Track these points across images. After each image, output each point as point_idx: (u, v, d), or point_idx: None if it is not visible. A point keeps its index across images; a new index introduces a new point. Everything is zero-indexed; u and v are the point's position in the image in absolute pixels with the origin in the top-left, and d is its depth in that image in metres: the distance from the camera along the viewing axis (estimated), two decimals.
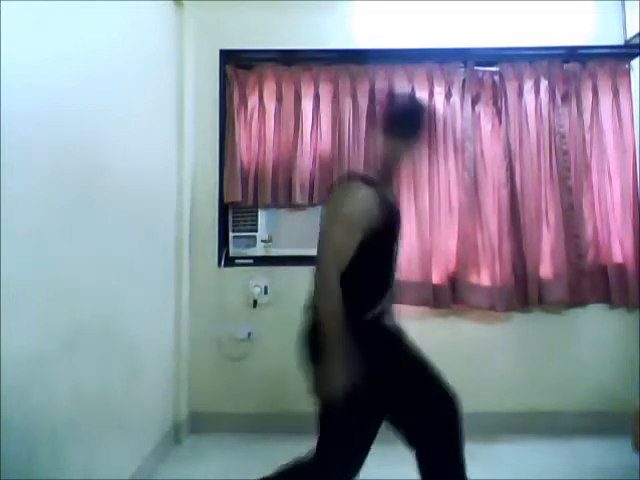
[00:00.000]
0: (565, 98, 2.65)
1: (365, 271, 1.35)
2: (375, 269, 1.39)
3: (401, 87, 2.42)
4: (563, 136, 2.60)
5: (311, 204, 2.60)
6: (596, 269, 2.56)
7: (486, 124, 2.65)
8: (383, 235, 1.36)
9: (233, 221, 2.68)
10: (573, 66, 2.66)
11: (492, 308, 2.52)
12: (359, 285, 1.35)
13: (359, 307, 1.35)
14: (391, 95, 1.46)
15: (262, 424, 2.55)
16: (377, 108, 2.04)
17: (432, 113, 1.44)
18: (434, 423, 1.40)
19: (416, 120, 1.48)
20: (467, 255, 2.55)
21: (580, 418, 2.48)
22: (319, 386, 1.32)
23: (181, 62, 2.56)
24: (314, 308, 1.36)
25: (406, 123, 1.46)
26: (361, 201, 1.31)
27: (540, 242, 2.56)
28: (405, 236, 2.57)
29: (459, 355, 2.52)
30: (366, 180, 1.38)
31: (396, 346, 1.43)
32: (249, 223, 2.66)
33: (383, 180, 1.45)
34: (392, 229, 1.41)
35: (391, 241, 1.42)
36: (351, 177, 1.48)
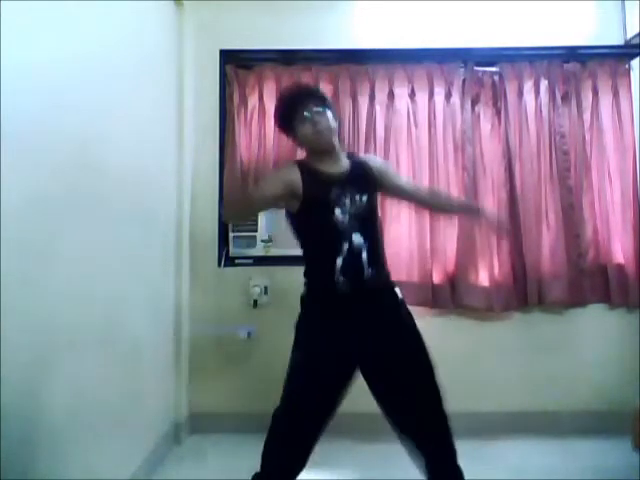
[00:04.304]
0: (565, 98, 2.65)
1: (306, 236, 1.61)
2: (313, 233, 1.58)
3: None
4: (563, 136, 2.60)
5: None
6: (596, 269, 2.56)
7: (486, 124, 2.65)
8: (310, 200, 1.53)
9: None
10: (573, 66, 2.66)
11: (492, 308, 2.52)
12: (306, 250, 1.61)
13: (310, 271, 1.60)
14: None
15: (262, 424, 2.54)
16: None
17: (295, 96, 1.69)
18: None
19: (285, 113, 1.65)
20: (467, 255, 2.54)
21: (580, 418, 2.48)
22: None
23: (181, 62, 2.56)
24: None
25: (282, 120, 1.68)
26: (281, 170, 1.72)
27: (540, 242, 2.56)
28: (405, 236, 2.58)
29: (459, 355, 2.52)
30: (297, 161, 1.68)
31: (311, 337, 1.63)
32: (249, 223, 2.66)
33: (312, 158, 1.63)
34: (320, 193, 1.54)
35: (323, 206, 1.53)
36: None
